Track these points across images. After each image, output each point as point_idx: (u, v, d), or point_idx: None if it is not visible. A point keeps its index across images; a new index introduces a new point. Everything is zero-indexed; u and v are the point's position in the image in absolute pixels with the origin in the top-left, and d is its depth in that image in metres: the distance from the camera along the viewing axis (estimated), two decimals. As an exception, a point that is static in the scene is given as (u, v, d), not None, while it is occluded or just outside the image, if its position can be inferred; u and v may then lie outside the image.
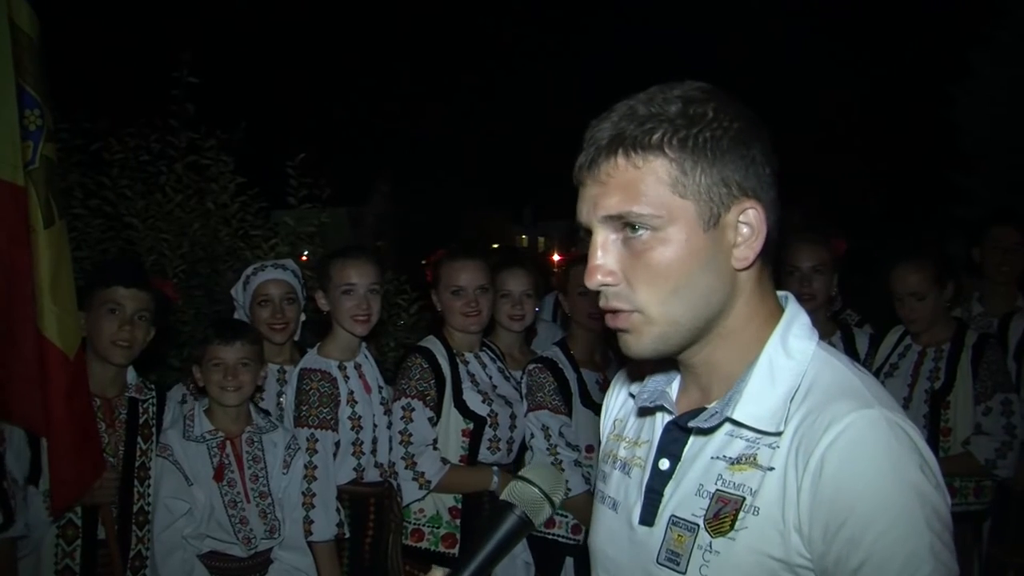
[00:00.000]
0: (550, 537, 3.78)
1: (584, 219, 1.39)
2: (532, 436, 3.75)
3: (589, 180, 1.37)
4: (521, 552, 3.69)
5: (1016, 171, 13.79)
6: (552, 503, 1.40)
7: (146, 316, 3.24)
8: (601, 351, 4.00)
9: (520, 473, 1.43)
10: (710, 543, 1.32)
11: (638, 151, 1.32)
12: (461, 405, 3.63)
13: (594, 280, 1.37)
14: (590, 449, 3.76)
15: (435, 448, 3.57)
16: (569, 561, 3.78)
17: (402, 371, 3.67)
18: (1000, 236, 4.52)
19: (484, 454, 3.65)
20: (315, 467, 3.39)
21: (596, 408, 3.75)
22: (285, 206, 5.92)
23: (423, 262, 3.97)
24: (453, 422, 3.64)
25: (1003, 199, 12.80)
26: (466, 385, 3.66)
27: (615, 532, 1.50)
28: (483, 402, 3.65)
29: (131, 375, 3.33)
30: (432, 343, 3.73)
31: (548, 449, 3.68)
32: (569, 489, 3.61)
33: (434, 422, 3.59)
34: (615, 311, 1.38)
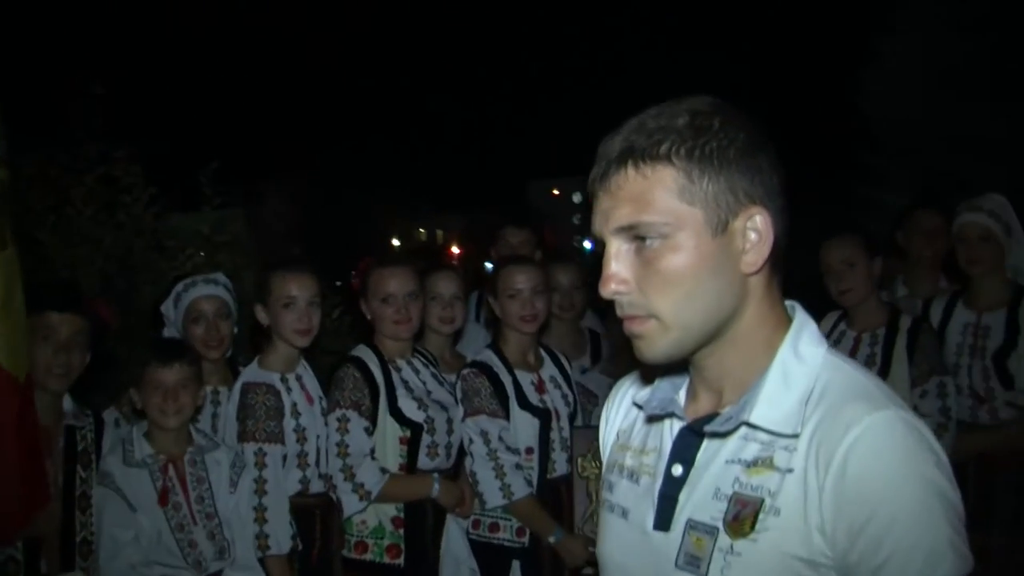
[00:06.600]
0: (495, 542, 3.77)
1: (597, 231, 1.44)
2: (471, 442, 3.74)
3: (601, 193, 1.42)
4: (466, 559, 3.71)
5: (926, 153, 14.08)
6: None
7: (81, 341, 3.17)
8: (534, 351, 4.03)
9: None
10: (731, 545, 1.36)
11: (647, 161, 1.37)
12: (397, 413, 3.62)
13: (608, 289, 1.41)
14: (530, 451, 3.78)
15: (373, 458, 3.57)
16: (515, 564, 3.78)
17: (335, 382, 3.65)
18: (923, 220, 4.57)
19: (423, 460, 3.65)
20: (265, 481, 3.37)
21: (533, 410, 3.79)
22: (196, 209, 5.84)
23: (352, 272, 3.95)
24: (390, 430, 3.63)
25: (914, 180, 13.16)
26: (400, 392, 3.65)
27: (627, 539, 1.53)
28: (419, 408, 3.65)
29: (67, 402, 3.24)
30: (364, 352, 3.72)
31: (488, 454, 3.68)
32: (512, 492, 3.63)
33: (370, 432, 3.58)
34: (631, 318, 1.43)
